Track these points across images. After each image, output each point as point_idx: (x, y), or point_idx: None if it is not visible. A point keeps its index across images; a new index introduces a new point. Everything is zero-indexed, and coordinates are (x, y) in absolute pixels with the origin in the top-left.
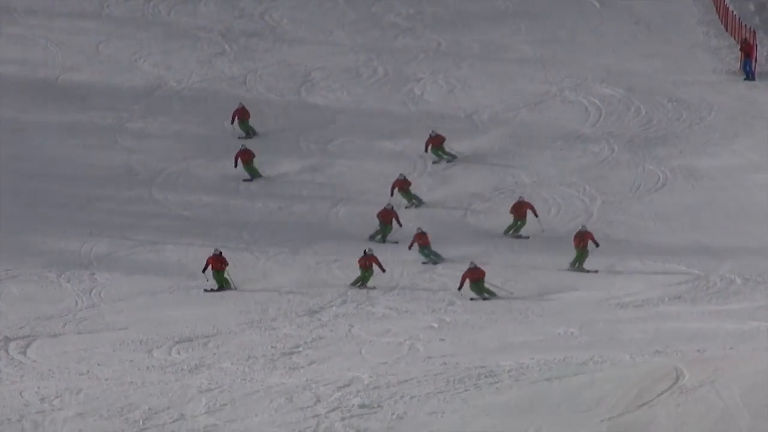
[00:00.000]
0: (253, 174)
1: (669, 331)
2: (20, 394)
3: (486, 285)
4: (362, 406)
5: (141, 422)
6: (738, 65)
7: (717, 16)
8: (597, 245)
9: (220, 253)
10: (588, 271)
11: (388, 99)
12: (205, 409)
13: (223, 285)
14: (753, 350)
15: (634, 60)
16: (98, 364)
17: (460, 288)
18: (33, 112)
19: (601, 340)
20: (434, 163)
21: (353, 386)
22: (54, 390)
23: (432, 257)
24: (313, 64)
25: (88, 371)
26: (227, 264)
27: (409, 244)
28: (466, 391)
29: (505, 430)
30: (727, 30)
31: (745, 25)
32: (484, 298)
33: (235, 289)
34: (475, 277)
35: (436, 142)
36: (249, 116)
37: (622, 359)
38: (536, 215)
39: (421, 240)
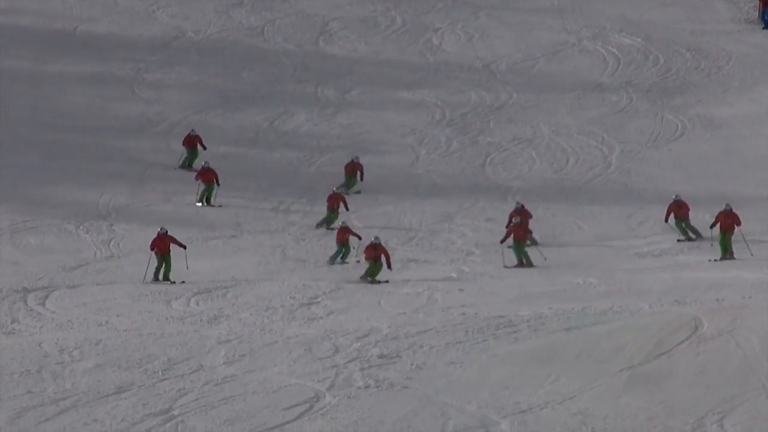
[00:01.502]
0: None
1: (687, 281)
2: (39, 345)
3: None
4: (381, 356)
5: (160, 373)
6: (756, 14)
7: None
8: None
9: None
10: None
11: (406, 49)
12: (223, 359)
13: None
14: None
15: (652, 9)
16: (117, 315)
17: (502, 241)
18: (51, 63)
19: (620, 290)
20: None
21: (372, 336)
22: (73, 341)
23: None
24: (330, 14)
25: (107, 322)
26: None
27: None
28: (484, 341)
29: (523, 379)
30: None
31: None
32: (525, 265)
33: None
34: (519, 235)
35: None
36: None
37: (641, 309)
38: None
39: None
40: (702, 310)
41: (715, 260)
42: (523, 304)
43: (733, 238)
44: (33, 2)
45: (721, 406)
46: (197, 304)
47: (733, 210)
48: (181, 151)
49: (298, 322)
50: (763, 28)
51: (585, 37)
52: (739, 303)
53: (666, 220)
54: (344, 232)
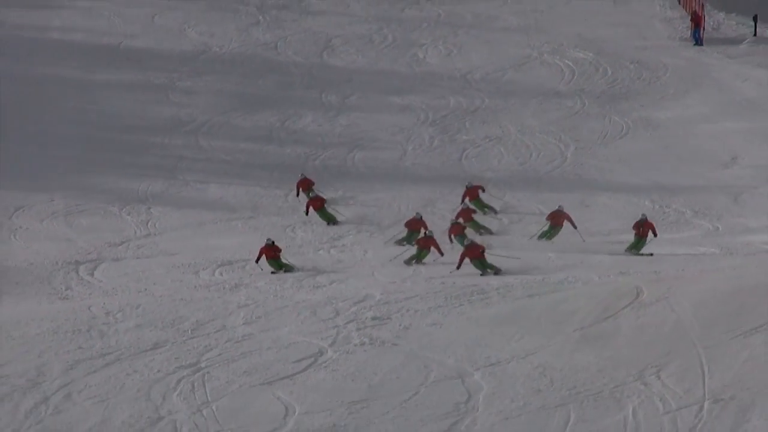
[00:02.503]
0: (329, 219)
1: (633, 257)
2: (89, 308)
3: (487, 260)
4: (374, 318)
5: (189, 332)
6: (689, 33)
7: None
8: (656, 235)
9: (273, 242)
10: (643, 254)
11: (396, 61)
12: (242, 320)
13: (282, 269)
14: (701, 272)
15: (602, 28)
16: (153, 284)
17: (458, 267)
18: (97, 72)
19: (574, 264)
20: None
21: (367, 302)
22: (117, 305)
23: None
24: (333, 31)
25: (145, 289)
26: (280, 251)
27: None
28: (460, 305)
29: (493, 338)
30: (679, 3)
31: (695, 0)
32: (494, 273)
33: (298, 269)
34: (474, 254)
35: (472, 194)
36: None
37: (592, 279)
38: (575, 227)
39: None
40: (642, 280)
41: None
42: (494, 275)
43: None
44: (83, 21)
45: (658, 361)
46: (221, 274)
47: (648, 220)
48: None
49: (304, 289)
50: (694, 45)
51: (545, 51)
52: (673, 274)
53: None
54: (426, 241)
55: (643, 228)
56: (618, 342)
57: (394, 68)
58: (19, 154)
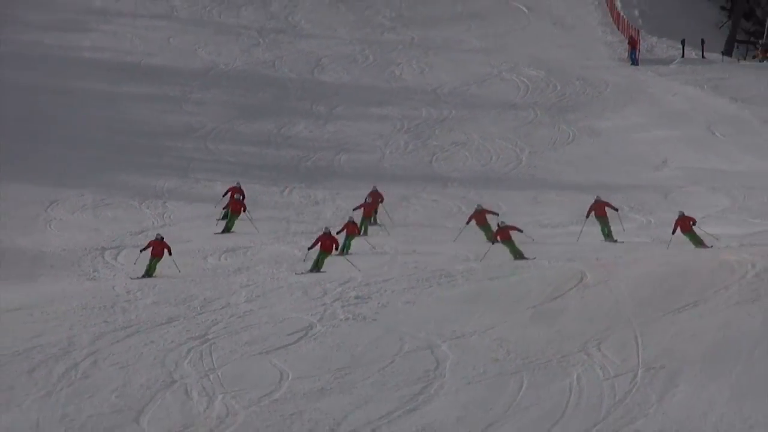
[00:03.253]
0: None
1: (576, 245)
2: (112, 288)
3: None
4: (357, 297)
5: (198, 308)
6: (626, 54)
7: (611, 19)
8: (616, 210)
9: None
10: (616, 241)
11: (376, 78)
12: (244, 299)
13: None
14: (636, 259)
15: (552, 50)
16: (168, 267)
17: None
18: (122, 85)
19: (530, 251)
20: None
21: (350, 283)
22: (136, 285)
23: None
24: (322, 52)
25: (160, 271)
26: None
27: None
28: (430, 287)
29: (458, 315)
30: (618, 29)
31: (631, 26)
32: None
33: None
34: (505, 236)
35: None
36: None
37: (543, 264)
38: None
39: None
40: (586, 266)
41: (602, 240)
42: (458, 261)
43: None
44: (110, 42)
45: (599, 335)
46: (226, 259)
47: (602, 199)
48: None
49: (297, 272)
50: (631, 65)
51: (504, 70)
52: (612, 261)
53: (587, 216)
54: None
55: (597, 208)
56: (565, 318)
57: (374, 83)
58: (54, 155)
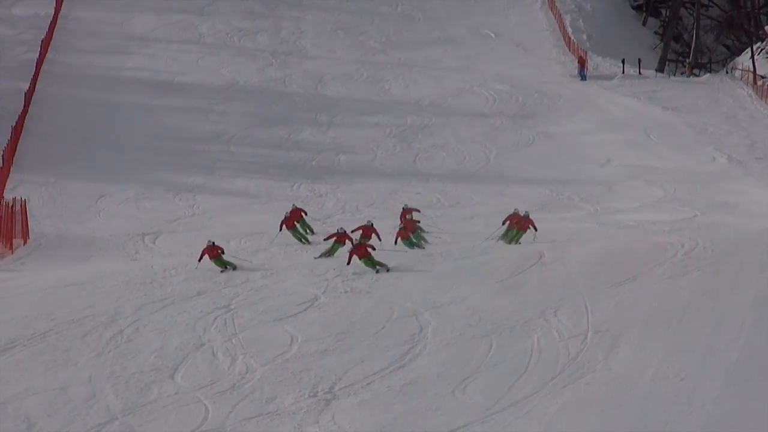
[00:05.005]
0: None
1: (537, 229)
2: (151, 267)
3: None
4: (354, 273)
5: (223, 283)
6: (576, 71)
7: (564, 42)
8: (536, 229)
9: (213, 243)
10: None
11: (369, 92)
12: (261, 276)
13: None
14: (585, 240)
15: (515, 68)
16: (198, 249)
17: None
18: (159, 99)
19: (496, 234)
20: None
21: (350, 263)
22: (171, 264)
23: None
24: (324, 71)
25: (191, 253)
26: (221, 250)
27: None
28: (415, 264)
29: (438, 288)
30: (569, 50)
31: (580, 48)
32: (377, 271)
33: (238, 267)
34: (361, 253)
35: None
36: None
37: (508, 246)
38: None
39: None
40: (543, 246)
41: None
42: (438, 242)
43: (523, 237)
44: (148, 63)
45: (555, 304)
46: (246, 242)
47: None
48: None
49: (305, 253)
50: (580, 80)
51: (475, 84)
52: (565, 242)
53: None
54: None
55: (521, 222)
56: (526, 290)
57: (367, 96)
58: (103, 157)
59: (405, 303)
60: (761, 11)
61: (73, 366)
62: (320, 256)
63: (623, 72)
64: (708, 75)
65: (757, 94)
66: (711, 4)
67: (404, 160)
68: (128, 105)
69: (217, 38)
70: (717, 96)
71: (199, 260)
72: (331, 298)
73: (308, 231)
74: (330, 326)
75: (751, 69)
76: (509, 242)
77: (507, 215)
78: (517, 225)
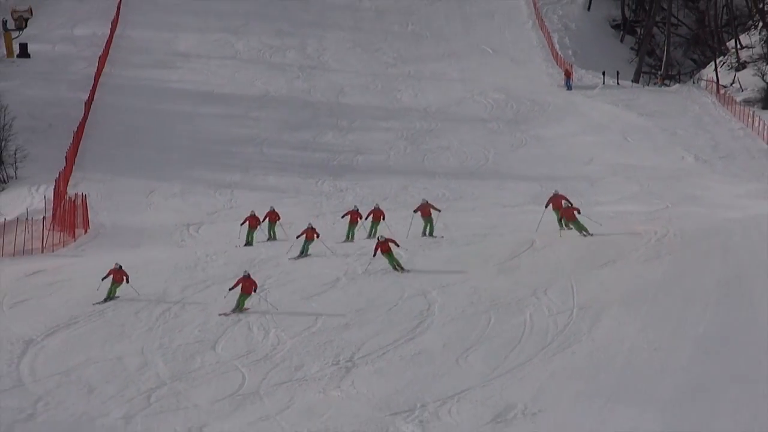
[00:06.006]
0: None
1: (528, 220)
2: (195, 252)
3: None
4: (370, 258)
5: (257, 266)
6: (563, 82)
7: (552, 57)
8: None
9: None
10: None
11: (383, 100)
12: (288, 260)
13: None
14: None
15: (510, 80)
16: (237, 237)
17: (374, 256)
18: (201, 108)
19: (493, 224)
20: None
21: (367, 248)
22: (213, 251)
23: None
24: (344, 82)
25: (229, 241)
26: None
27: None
28: (424, 251)
29: (444, 270)
30: (557, 64)
31: (566, 62)
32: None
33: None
34: (385, 247)
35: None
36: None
37: (504, 234)
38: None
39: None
40: (535, 234)
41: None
42: (444, 230)
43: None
44: (191, 76)
45: (545, 284)
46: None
47: (560, 193)
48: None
49: (328, 241)
50: (567, 90)
51: (475, 94)
52: (553, 232)
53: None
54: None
55: (554, 201)
56: (520, 272)
57: (382, 104)
58: (153, 158)
59: (415, 283)
60: (723, 29)
61: (128, 339)
62: (297, 257)
63: (604, 83)
64: (677, 85)
65: (720, 101)
66: (680, 23)
67: (414, 160)
68: (174, 112)
69: (251, 54)
70: (685, 103)
71: (230, 288)
72: (351, 279)
73: (272, 235)
74: (350, 304)
75: (715, 80)
76: (565, 227)
77: (548, 198)
78: (564, 214)
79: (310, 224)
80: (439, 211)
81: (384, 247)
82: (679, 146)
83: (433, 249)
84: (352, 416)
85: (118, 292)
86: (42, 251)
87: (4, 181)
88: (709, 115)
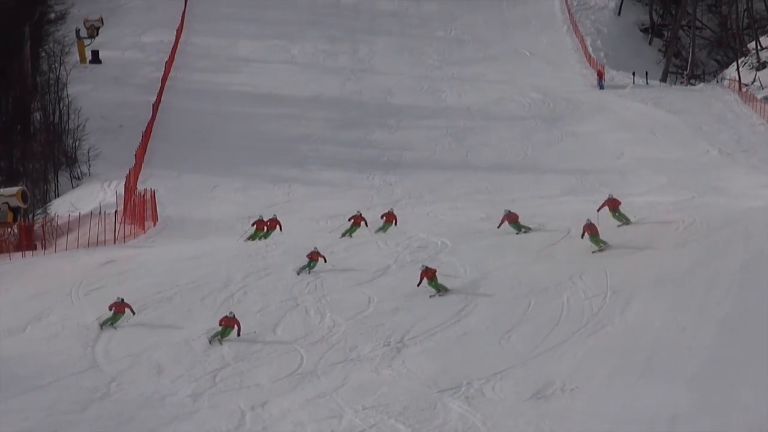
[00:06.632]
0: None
1: (564, 210)
2: (255, 243)
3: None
4: (419, 247)
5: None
6: (595, 82)
7: (586, 59)
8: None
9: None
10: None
11: (429, 100)
12: (343, 249)
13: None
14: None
15: (547, 80)
16: (293, 227)
17: (418, 284)
18: (259, 109)
19: (532, 214)
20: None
21: (414, 239)
22: (271, 241)
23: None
24: (392, 84)
25: (288, 231)
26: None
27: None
28: (468, 239)
29: (487, 258)
30: (590, 65)
31: (599, 63)
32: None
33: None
34: (429, 274)
35: (511, 219)
36: None
37: (543, 224)
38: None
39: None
40: (570, 223)
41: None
42: (485, 221)
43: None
44: (250, 80)
45: (580, 269)
46: (328, 223)
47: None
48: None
49: (378, 232)
50: (599, 89)
51: (514, 93)
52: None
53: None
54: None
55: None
56: (557, 259)
57: (427, 104)
58: (216, 155)
59: (461, 269)
60: (744, 32)
61: (194, 322)
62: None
63: (633, 82)
64: (702, 84)
65: (741, 99)
66: (704, 26)
67: (457, 155)
68: (234, 113)
69: (305, 59)
70: (709, 101)
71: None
72: (400, 266)
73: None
74: (399, 289)
75: (737, 79)
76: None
77: (583, 226)
78: (589, 231)
79: (358, 211)
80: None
81: (429, 273)
82: (704, 141)
83: (476, 238)
84: (403, 393)
85: (120, 320)
86: (114, 242)
87: (79, 177)
88: (731, 111)
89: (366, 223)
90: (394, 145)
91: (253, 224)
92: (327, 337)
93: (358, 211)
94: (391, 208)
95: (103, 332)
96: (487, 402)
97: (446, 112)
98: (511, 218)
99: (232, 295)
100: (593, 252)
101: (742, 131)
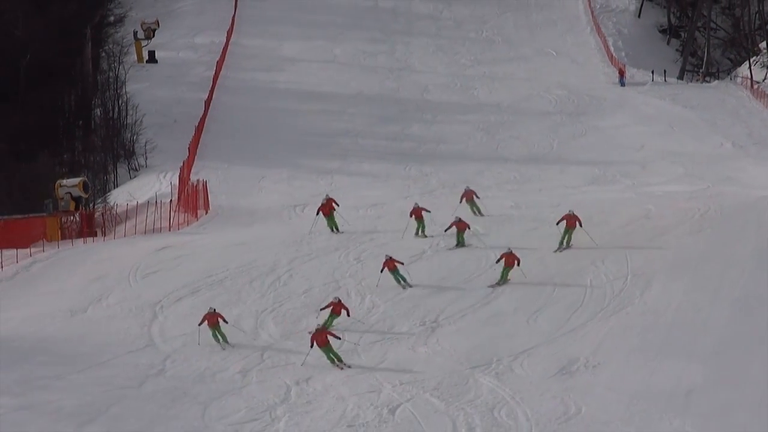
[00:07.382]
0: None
1: (587, 199)
2: (300, 229)
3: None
4: (451, 234)
5: (355, 241)
6: (617, 80)
7: (608, 58)
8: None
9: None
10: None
11: (462, 97)
12: (383, 235)
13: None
14: (622, 206)
15: (572, 78)
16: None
17: (381, 271)
18: (304, 105)
19: (559, 203)
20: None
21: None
22: (316, 228)
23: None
24: (428, 82)
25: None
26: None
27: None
28: (496, 227)
29: (516, 243)
30: (612, 64)
31: (620, 62)
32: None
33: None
34: (391, 266)
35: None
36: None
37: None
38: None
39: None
40: (593, 211)
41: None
42: (515, 209)
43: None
44: (296, 78)
45: (602, 254)
46: (369, 211)
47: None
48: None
49: (413, 224)
50: (620, 86)
51: (541, 90)
52: (607, 208)
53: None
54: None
55: (569, 221)
56: (580, 244)
57: (460, 101)
58: (263, 148)
59: (490, 256)
60: (756, 33)
61: (243, 304)
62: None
63: (653, 80)
64: (716, 81)
65: (753, 95)
66: (718, 27)
67: (488, 148)
68: (280, 109)
69: (347, 58)
70: (723, 97)
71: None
72: (435, 252)
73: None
74: (434, 273)
75: (749, 77)
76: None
77: (562, 216)
78: (567, 223)
79: (416, 204)
80: (429, 212)
81: (390, 265)
82: (719, 134)
83: (505, 226)
84: (437, 369)
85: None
86: (169, 229)
87: (136, 169)
88: (744, 107)
89: (427, 210)
90: (429, 138)
91: (317, 212)
92: (367, 317)
93: (416, 204)
94: (416, 203)
95: (159, 313)
96: (515, 377)
97: (478, 108)
98: (468, 196)
99: (278, 278)
100: (554, 251)
101: (754, 125)
